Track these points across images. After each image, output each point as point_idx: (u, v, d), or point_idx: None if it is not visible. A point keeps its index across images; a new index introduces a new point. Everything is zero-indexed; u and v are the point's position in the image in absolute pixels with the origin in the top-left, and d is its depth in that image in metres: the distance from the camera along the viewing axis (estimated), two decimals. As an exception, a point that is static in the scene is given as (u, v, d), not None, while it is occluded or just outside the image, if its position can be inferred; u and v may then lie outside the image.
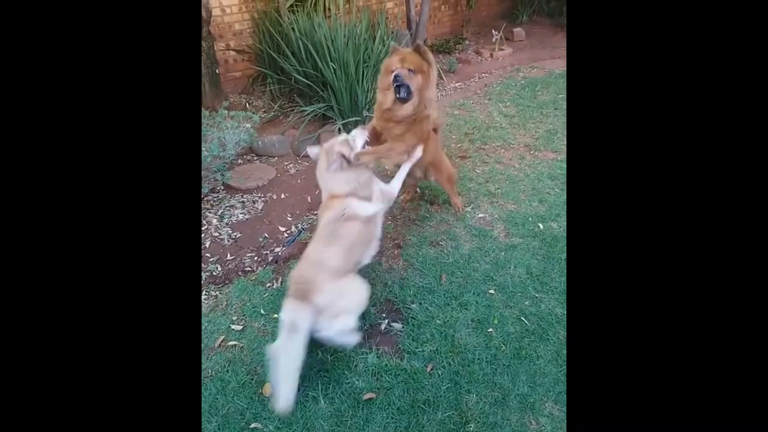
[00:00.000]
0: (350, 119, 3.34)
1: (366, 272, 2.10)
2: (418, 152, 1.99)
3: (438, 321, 1.83)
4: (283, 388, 1.41)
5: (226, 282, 2.13)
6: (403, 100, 1.81)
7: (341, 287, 1.57)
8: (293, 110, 3.55)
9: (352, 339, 1.65)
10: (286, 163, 3.17)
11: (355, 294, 1.61)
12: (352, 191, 1.74)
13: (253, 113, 2.91)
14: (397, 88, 1.78)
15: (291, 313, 1.45)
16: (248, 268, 2.22)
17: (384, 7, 4.93)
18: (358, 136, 1.83)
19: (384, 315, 1.88)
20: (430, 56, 1.84)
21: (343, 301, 1.55)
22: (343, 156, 1.72)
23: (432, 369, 1.65)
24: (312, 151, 1.85)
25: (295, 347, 1.41)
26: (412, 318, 1.85)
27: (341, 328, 1.54)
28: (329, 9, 3.84)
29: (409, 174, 2.07)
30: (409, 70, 1.78)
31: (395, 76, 1.76)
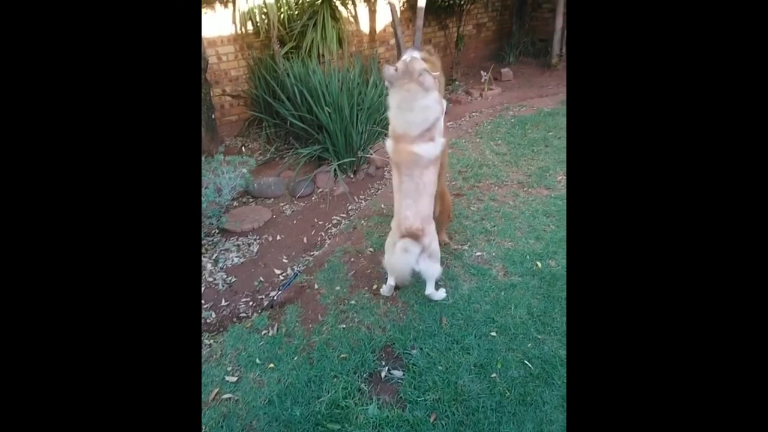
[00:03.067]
0: (346, 160, 3.39)
1: (363, 315, 2.06)
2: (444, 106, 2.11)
3: (440, 367, 1.77)
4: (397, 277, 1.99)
5: (221, 329, 2.07)
6: None
7: (432, 232, 1.96)
8: (289, 152, 3.60)
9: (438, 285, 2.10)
10: (282, 204, 3.18)
11: (436, 242, 1.99)
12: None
13: (249, 156, 2.94)
14: None
15: (406, 244, 1.84)
16: (243, 314, 2.17)
17: (376, 53, 5.12)
18: (413, 56, 1.93)
19: (383, 362, 1.83)
20: (436, 57, 2.21)
21: (434, 244, 1.96)
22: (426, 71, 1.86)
23: (435, 419, 1.58)
24: (388, 71, 1.94)
25: (405, 260, 1.86)
26: (413, 364, 1.79)
27: (433, 266, 1.98)
28: (323, 55, 3.98)
29: None
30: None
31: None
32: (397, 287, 2.19)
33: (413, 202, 1.88)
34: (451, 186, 3.26)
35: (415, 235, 1.86)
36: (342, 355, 1.85)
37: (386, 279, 2.18)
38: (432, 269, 1.98)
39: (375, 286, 2.27)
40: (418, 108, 1.86)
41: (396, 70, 1.93)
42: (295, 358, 1.86)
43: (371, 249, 2.59)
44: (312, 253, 2.64)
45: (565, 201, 2.94)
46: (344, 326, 2.01)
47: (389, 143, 1.97)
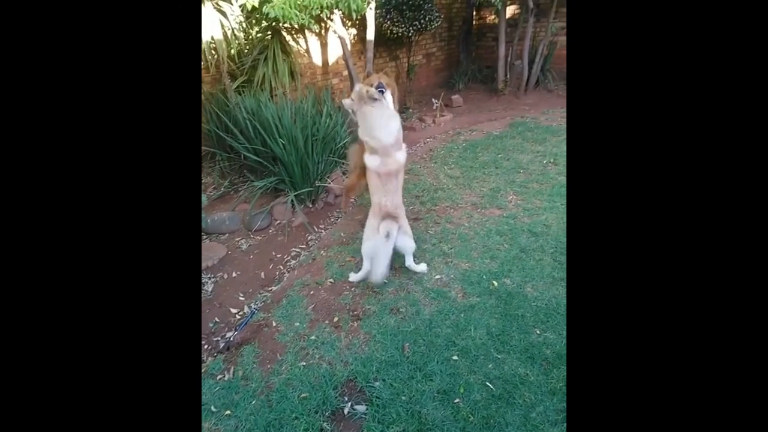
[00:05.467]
0: (303, 190, 3.37)
1: (324, 350, 2.02)
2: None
3: (403, 397, 1.75)
4: (380, 268, 2.24)
5: (173, 378, 1.95)
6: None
7: (404, 215, 2.49)
8: (244, 185, 3.55)
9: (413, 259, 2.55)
10: (238, 239, 3.10)
11: (407, 223, 2.51)
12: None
13: (201, 193, 2.87)
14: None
15: (388, 226, 2.30)
16: (198, 360, 2.06)
17: (329, 84, 5.22)
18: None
19: (346, 398, 1.78)
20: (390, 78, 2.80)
21: (406, 224, 2.48)
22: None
23: (401, 453, 1.55)
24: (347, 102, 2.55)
25: (388, 247, 2.27)
26: (376, 397, 1.76)
27: (409, 241, 2.46)
28: (275, 89, 4.00)
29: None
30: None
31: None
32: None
33: (392, 197, 2.40)
34: (408, 211, 3.31)
35: (393, 217, 2.36)
36: (303, 395, 1.79)
37: (360, 267, 2.50)
38: (408, 244, 2.44)
39: (336, 319, 2.24)
40: (389, 121, 2.40)
41: (352, 99, 2.50)
42: (253, 402, 1.78)
43: (331, 280, 2.56)
44: (270, 289, 2.57)
45: (516, 220, 3.06)
46: (304, 363, 1.96)
47: (373, 159, 2.41)
